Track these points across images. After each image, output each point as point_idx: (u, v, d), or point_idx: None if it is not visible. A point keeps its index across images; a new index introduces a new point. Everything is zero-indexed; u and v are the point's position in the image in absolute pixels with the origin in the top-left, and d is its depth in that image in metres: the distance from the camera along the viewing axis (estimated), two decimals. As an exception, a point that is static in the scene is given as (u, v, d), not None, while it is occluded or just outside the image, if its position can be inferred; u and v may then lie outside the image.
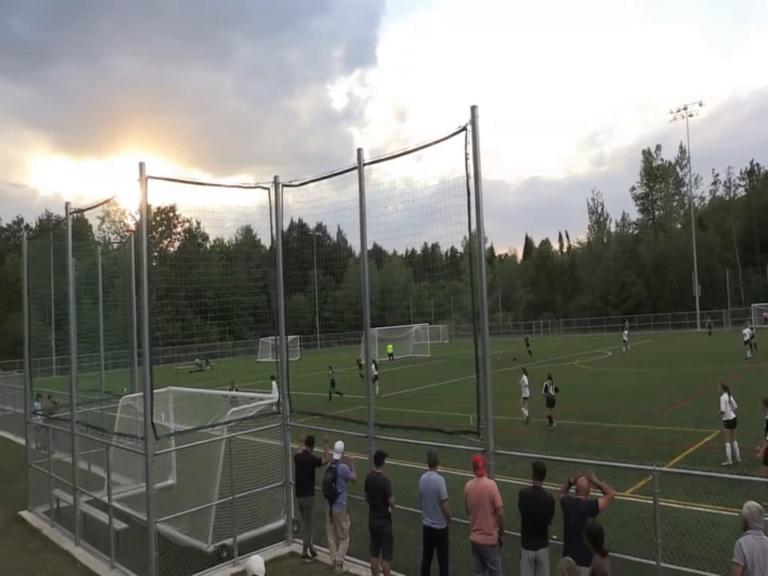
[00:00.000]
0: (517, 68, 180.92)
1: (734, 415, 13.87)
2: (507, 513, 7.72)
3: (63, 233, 12.88)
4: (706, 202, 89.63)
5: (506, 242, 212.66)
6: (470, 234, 8.40)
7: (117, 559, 10.47)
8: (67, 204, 12.59)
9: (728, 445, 13.69)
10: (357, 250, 11.45)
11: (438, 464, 8.44)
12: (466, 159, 8.20)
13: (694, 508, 9.90)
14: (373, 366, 33.80)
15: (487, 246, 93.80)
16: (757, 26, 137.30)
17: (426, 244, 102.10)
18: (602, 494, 6.98)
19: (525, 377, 20.86)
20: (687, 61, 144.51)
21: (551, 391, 19.43)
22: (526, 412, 20.08)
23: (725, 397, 14.09)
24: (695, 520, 9.23)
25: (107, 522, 10.82)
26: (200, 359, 64.36)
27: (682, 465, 13.42)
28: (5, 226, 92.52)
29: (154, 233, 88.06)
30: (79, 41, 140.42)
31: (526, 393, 20.39)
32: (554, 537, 7.37)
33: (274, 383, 22.73)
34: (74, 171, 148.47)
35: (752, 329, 35.33)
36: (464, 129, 8.21)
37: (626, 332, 48.16)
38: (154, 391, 9.60)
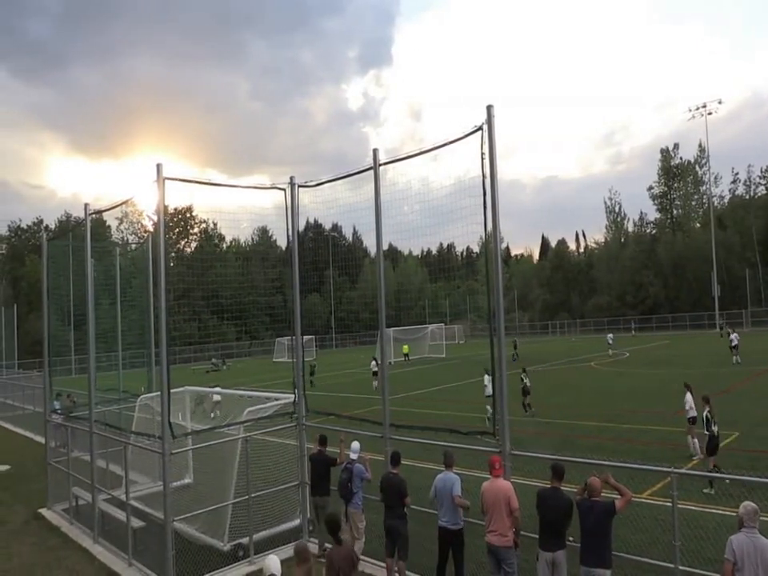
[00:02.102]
0: (533, 66, 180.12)
1: (695, 413, 14.53)
2: (523, 514, 7.68)
3: (82, 234, 12.99)
4: (726, 200, 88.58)
5: (522, 242, 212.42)
6: (485, 234, 8.36)
7: (134, 557, 10.56)
8: (86, 205, 12.71)
9: (692, 440, 14.62)
10: (372, 250, 11.45)
11: (454, 465, 8.42)
12: (482, 159, 8.17)
13: (714, 511, 9.79)
14: (373, 362, 34.93)
15: (503, 245, 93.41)
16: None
17: (441, 244, 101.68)
18: (619, 496, 6.92)
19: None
20: (705, 59, 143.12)
21: (527, 381, 21.85)
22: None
23: (688, 396, 14.94)
24: (714, 523, 9.13)
25: (125, 520, 10.92)
26: (217, 359, 64.68)
27: (701, 467, 13.27)
28: (25, 227, 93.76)
29: (171, 233, 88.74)
30: (95, 43, 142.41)
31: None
32: (571, 539, 7.32)
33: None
34: (91, 172, 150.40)
35: (738, 334, 35.09)
36: (480, 128, 8.17)
37: (610, 335, 48.51)
38: (171, 391, 9.66)
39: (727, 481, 10.90)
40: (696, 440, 14.49)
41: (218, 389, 23.50)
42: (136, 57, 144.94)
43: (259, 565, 9.85)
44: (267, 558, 6.11)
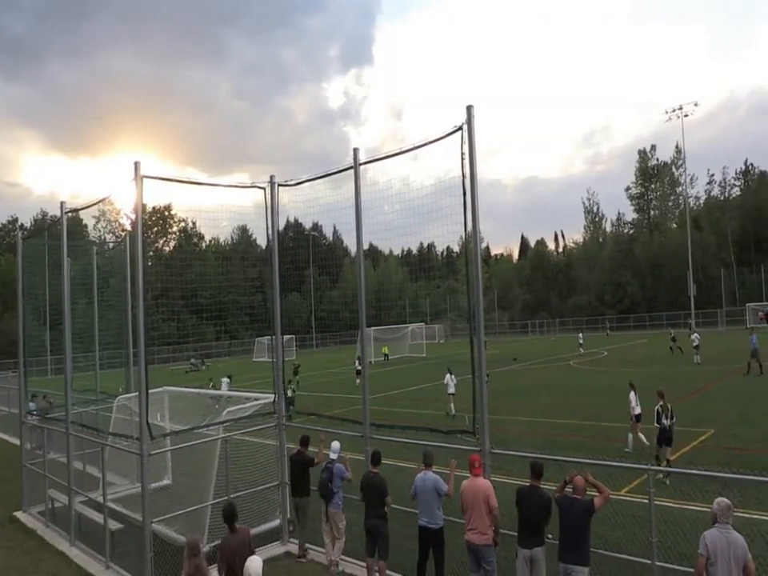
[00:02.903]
0: (514, 67, 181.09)
1: (639, 410, 15.58)
2: (503, 512, 7.73)
3: (58, 232, 12.84)
4: (702, 201, 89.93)
5: (502, 242, 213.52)
6: (465, 234, 8.40)
7: (112, 559, 10.45)
8: (62, 203, 12.56)
9: (638, 435, 15.47)
10: (353, 249, 11.46)
11: (433, 464, 8.45)
12: (462, 159, 8.21)
13: (689, 507, 9.93)
14: (357, 361, 35.80)
15: (483, 245, 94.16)
16: (755, 25, 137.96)
17: (422, 244, 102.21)
18: (597, 494, 7.00)
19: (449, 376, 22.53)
20: (685, 60, 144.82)
21: (289, 391, 22.04)
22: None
23: (632, 395, 15.78)
24: (690, 519, 9.25)
25: (102, 523, 10.79)
26: (196, 359, 64.15)
27: (678, 464, 13.45)
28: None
29: (150, 232, 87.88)
30: (74, 39, 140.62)
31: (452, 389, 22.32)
32: (550, 536, 7.39)
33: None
34: (69, 170, 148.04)
35: (698, 335, 35.62)
36: (460, 128, 8.22)
37: (581, 335, 49.46)
38: (150, 391, 9.58)
39: (661, 477, 11.33)
40: (637, 435, 15.39)
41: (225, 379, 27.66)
42: (116, 54, 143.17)
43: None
44: (249, 559, 6.08)
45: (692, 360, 33.82)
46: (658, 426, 13.60)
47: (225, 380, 29.47)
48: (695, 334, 35.11)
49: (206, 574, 6.50)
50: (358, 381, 32.53)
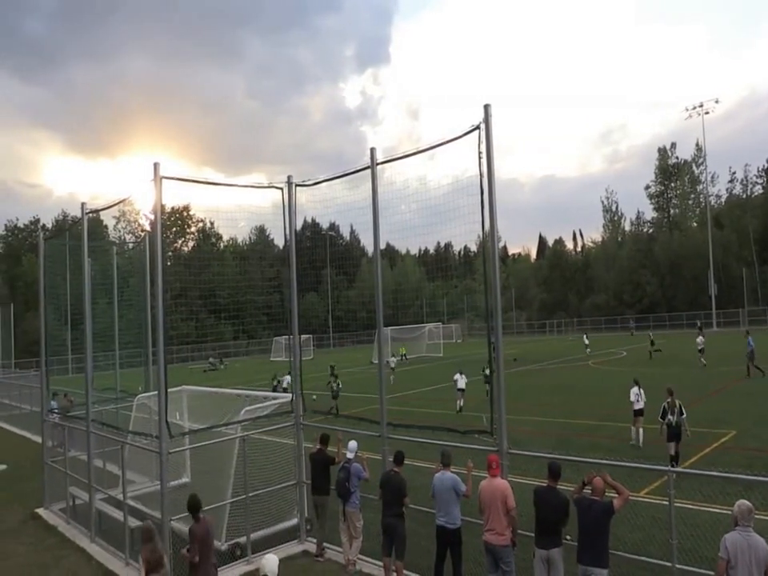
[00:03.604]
0: (531, 65, 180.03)
1: (641, 405, 16.23)
2: (521, 513, 7.69)
3: (79, 233, 12.99)
4: (723, 200, 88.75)
5: (520, 241, 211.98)
6: (483, 233, 8.37)
7: (131, 556, 10.54)
8: (83, 204, 12.70)
9: (633, 429, 16.23)
10: (370, 249, 11.47)
11: (451, 464, 8.43)
12: (479, 158, 8.18)
13: (710, 509, 9.82)
14: (393, 358, 39.05)
15: (500, 245, 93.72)
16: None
17: (438, 243, 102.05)
18: (616, 495, 6.94)
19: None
20: (703, 58, 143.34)
21: (334, 386, 25.12)
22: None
23: (635, 389, 16.56)
24: (711, 521, 9.15)
25: (122, 520, 10.90)
26: (214, 358, 64.66)
27: (698, 465, 13.30)
28: (22, 226, 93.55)
29: (168, 233, 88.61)
30: (91, 41, 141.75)
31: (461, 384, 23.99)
32: (568, 537, 7.34)
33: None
34: (88, 171, 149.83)
35: (704, 336, 35.17)
36: (477, 128, 8.19)
37: (585, 336, 49.90)
38: (169, 390, 9.66)
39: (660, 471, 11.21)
40: (637, 429, 16.10)
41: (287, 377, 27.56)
42: (132, 55, 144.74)
43: (257, 564, 9.85)
44: (264, 558, 6.11)
45: (698, 363, 33.15)
46: (661, 420, 13.95)
47: (287, 377, 29.72)
48: (700, 337, 34.70)
49: (162, 556, 7.23)
50: (392, 378, 34.92)
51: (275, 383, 32.11)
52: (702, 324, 55.50)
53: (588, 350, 46.79)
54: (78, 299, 13.36)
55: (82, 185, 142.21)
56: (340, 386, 25.86)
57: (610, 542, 6.92)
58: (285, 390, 28.50)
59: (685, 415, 13.86)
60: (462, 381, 24.01)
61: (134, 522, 10.92)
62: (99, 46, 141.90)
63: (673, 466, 12.50)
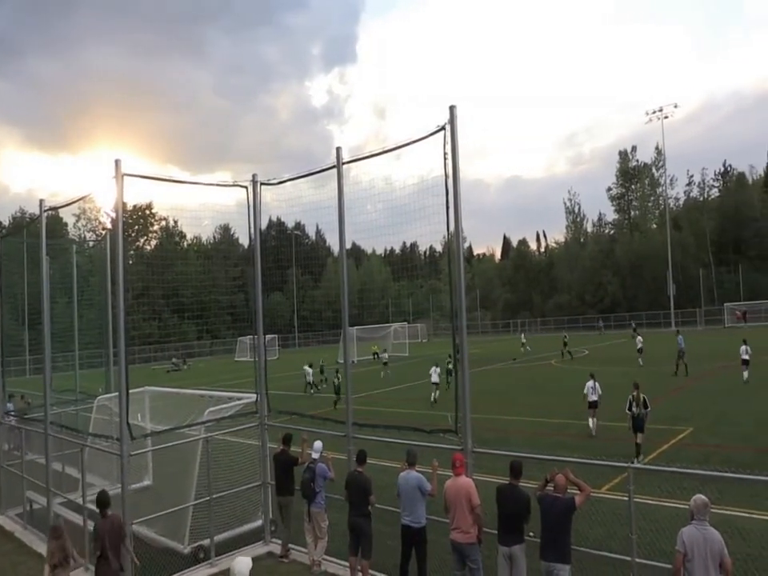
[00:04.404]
0: (498, 67, 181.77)
1: (596, 398, 17.71)
2: (485, 511, 7.76)
3: (37, 230, 12.69)
4: (681, 202, 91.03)
5: (485, 242, 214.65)
6: (448, 234, 8.43)
7: (91, 561, 10.32)
8: (41, 201, 12.41)
9: (591, 420, 17.54)
10: (335, 248, 11.47)
11: (416, 463, 8.46)
12: (445, 159, 8.23)
13: (669, 504, 10.04)
14: (385, 354, 41.39)
15: (466, 245, 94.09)
16: (736, 28, 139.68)
17: (404, 243, 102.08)
18: (578, 492, 7.05)
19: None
20: (668, 62, 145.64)
21: (335, 381, 26.68)
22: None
23: (590, 383, 18.00)
24: (669, 516, 9.35)
25: (81, 524, 10.67)
26: (177, 359, 63.77)
27: (657, 462, 13.61)
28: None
29: (130, 231, 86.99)
30: (53, 33, 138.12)
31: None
32: (531, 534, 7.43)
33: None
34: (47, 167, 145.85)
35: (642, 338, 36.06)
36: (443, 128, 8.24)
37: (522, 334, 51.82)
38: (130, 391, 9.49)
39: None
40: (593, 420, 17.52)
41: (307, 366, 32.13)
42: (96, 49, 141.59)
43: (221, 567, 9.76)
44: (236, 560, 6.05)
45: (637, 363, 33.76)
46: (629, 413, 14.84)
47: (306, 368, 32.02)
48: (639, 337, 35.42)
49: (69, 552, 7.49)
50: (383, 373, 37.83)
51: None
52: (637, 325, 57.38)
53: (523, 348, 47.67)
54: (36, 298, 13.05)
55: (41, 181, 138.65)
56: (340, 380, 26.56)
57: (572, 538, 7.03)
58: (309, 385, 31.82)
59: (649, 408, 14.77)
60: (435, 375, 25.70)
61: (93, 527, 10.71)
62: (62, 39, 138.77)
63: (637, 454, 14.20)
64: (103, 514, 7.87)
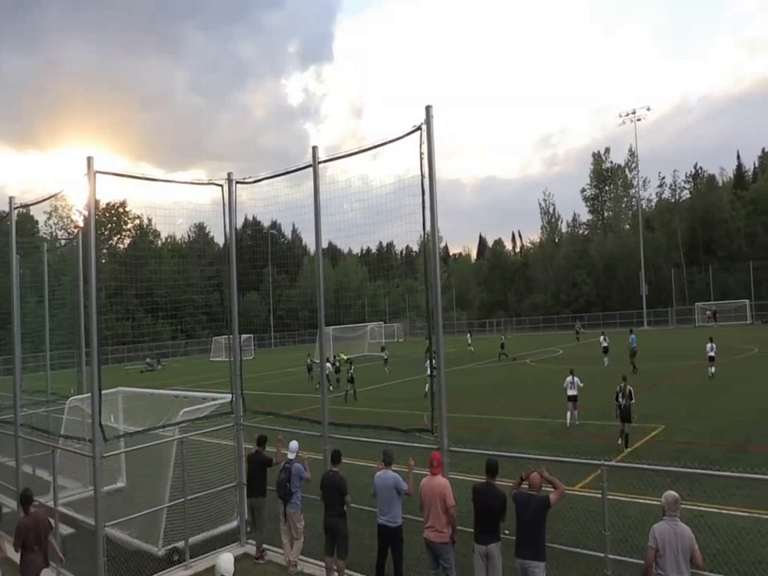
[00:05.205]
0: (475, 67, 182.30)
1: (575, 392, 18.57)
2: (461, 510, 7.80)
3: (7, 228, 12.47)
4: (653, 203, 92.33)
5: (461, 242, 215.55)
6: (424, 233, 8.45)
7: (63, 565, 10.17)
8: (11, 198, 12.20)
9: (569, 413, 18.56)
10: (312, 248, 11.43)
11: (393, 462, 8.48)
12: (421, 159, 8.25)
13: (641, 501, 10.19)
14: (385, 352, 41.53)
15: (442, 245, 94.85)
16: (708, 31, 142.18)
17: (381, 243, 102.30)
18: (553, 489, 7.13)
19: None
20: (641, 65, 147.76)
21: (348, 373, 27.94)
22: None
23: (569, 378, 18.80)
24: (642, 512, 9.50)
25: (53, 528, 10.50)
26: (151, 359, 63.07)
27: (629, 459, 13.81)
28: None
29: (103, 229, 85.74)
30: (22, 27, 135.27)
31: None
32: (506, 532, 7.49)
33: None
34: (17, 164, 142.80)
35: (606, 337, 36.21)
36: (419, 128, 8.26)
37: (468, 335, 52.91)
38: (103, 392, 9.37)
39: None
40: (572, 413, 18.53)
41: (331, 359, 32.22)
42: (67, 43, 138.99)
43: (196, 569, 9.68)
44: (220, 557, 5.99)
45: (602, 363, 33.96)
46: (616, 403, 15.83)
47: (327, 365, 30.75)
48: (602, 336, 35.76)
49: (2, 548, 7.92)
50: (387, 369, 38.62)
51: (309, 362, 35.38)
52: (608, 324, 58.25)
53: (471, 348, 48.62)
54: (6, 298, 12.82)
55: (10, 178, 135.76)
56: (352, 370, 28.17)
57: (547, 535, 7.10)
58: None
59: (633, 401, 15.57)
60: (428, 368, 25.50)
61: (66, 530, 10.56)
62: (32, 32, 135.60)
63: (626, 444, 15.13)
64: (26, 511, 8.17)
